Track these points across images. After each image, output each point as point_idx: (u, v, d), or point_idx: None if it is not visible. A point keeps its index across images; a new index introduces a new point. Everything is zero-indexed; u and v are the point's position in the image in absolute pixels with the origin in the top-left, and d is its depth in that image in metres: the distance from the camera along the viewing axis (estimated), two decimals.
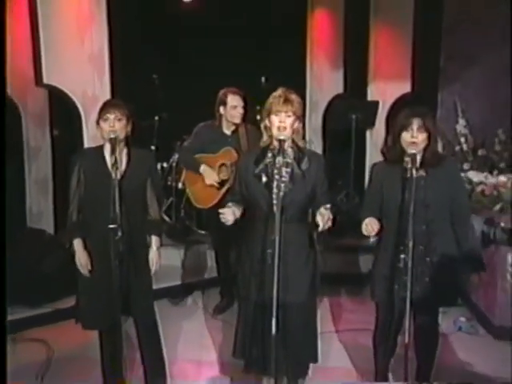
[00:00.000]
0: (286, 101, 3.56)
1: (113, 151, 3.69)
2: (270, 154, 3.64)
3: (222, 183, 5.37)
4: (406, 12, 6.79)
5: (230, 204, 3.76)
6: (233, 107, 5.31)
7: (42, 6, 5.52)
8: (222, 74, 6.67)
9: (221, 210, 3.62)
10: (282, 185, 3.50)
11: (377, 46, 7.20)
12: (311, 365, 3.94)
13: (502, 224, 3.85)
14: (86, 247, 3.88)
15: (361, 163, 6.95)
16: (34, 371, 4.53)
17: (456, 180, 3.88)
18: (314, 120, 7.69)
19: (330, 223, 3.45)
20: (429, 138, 3.66)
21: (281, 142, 3.51)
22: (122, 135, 3.79)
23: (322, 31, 7.55)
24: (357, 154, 6.82)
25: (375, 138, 7.10)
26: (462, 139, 6.26)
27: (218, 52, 7.30)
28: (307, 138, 6.95)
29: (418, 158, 3.66)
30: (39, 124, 6.35)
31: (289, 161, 3.60)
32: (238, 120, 5.36)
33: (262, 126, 3.70)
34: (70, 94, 5.83)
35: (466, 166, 5.87)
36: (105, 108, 3.83)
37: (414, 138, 3.62)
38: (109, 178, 3.68)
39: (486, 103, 6.37)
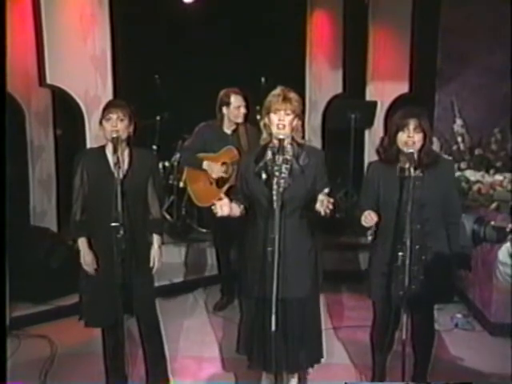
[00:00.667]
0: (285, 99, 3.58)
1: (115, 151, 3.74)
2: (269, 152, 3.66)
3: (223, 182, 5.43)
4: (404, 13, 6.80)
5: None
6: (236, 107, 5.36)
7: (46, 7, 5.57)
8: (223, 75, 6.73)
9: (216, 201, 3.57)
10: (282, 181, 3.50)
11: (375, 47, 7.21)
12: None
13: (492, 222, 3.89)
14: (90, 246, 3.93)
15: (359, 162, 6.96)
16: (37, 367, 4.55)
17: (451, 180, 3.94)
18: (313, 119, 7.69)
19: (330, 206, 3.40)
20: (424, 138, 3.69)
21: (280, 140, 3.54)
22: (124, 135, 3.82)
23: (321, 32, 7.55)
24: (355, 153, 6.84)
25: (374, 138, 7.12)
26: (459, 138, 6.30)
27: (218, 52, 7.33)
28: (306, 137, 6.99)
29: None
30: (43, 123, 6.39)
31: (288, 157, 3.61)
32: (240, 120, 5.41)
33: (261, 124, 3.72)
34: (73, 94, 5.88)
35: (463, 165, 5.89)
36: (108, 108, 3.87)
37: (410, 138, 3.65)
38: (111, 177, 3.72)
39: (483, 103, 6.42)
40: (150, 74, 7.16)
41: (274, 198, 3.50)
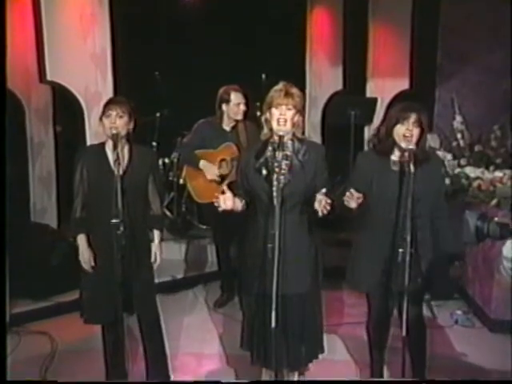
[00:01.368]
0: (287, 94, 3.59)
1: (115, 147, 3.75)
2: (270, 148, 3.66)
3: (222, 178, 5.43)
4: (405, 10, 6.81)
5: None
6: (236, 104, 5.36)
7: (46, 5, 5.55)
8: (223, 72, 6.73)
9: (219, 195, 3.57)
10: (282, 177, 3.50)
11: (375, 44, 7.22)
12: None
13: (496, 219, 3.89)
14: (89, 243, 3.94)
15: None
16: (37, 364, 4.56)
17: (441, 176, 4.00)
18: (314, 116, 7.71)
19: (328, 207, 3.41)
20: (421, 134, 3.70)
21: (280, 137, 3.54)
22: (123, 132, 3.83)
23: (321, 28, 7.56)
24: (355, 149, 6.81)
25: (373, 131, 7.14)
26: (459, 135, 6.30)
27: (218, 49, 7.33)
28: (306, 133, 6.99)
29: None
30: (43, 120, 6.40)
31: (288, 153, 3.61)
32: (240, 117, 5.41)
33: (262, 119, 3.72)
34: (73, 91, 5.87)
35: (462, 162, 5.89)
36: (108, 105, 3.88)
37: (408, 131, 3.66)
38: (111, 174, 3.73)
39: (483, 100, 6.43)
40: (150, 71, 7.16)
41: (274, 194, 3.49)
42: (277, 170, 3.50)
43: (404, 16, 6.85)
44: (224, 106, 5.39)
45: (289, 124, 3.59)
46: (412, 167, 3.53)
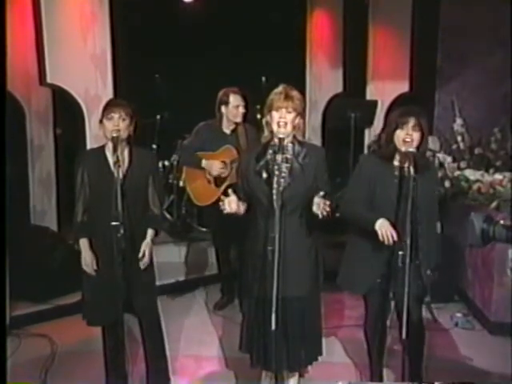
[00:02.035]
0: (287, 97, 3.59)
1: (115, 150, 3.73)
2: (270, 151, 3.65)
3: (221, 181, 5.43)
4: (404, 12, 6.83)
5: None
6: (235, 107, 5.36)
7: (46, 6, 5.57)
8: (223, 74, 6.74)
9: (223, 198, 3.56)
10: (282, 180, 3.50)
11: (375, 46, 7.24)
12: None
13: (502, 222, 3.89)
14: (91, 246, 3.93)
15: None
16: (37, 366, 4.55)
17: (437, 182, 4.00)
18: (314, 119, 7.72)
19: (327, 209, 3.38)
20: (421, 137, 3.70)
21: (280, 139, 3.53)
22: (124, 134, 3.82)
23: (321, 31, 7.58)
24: (355, 152, 6.83)
25: (374, 137, 7.15)
26: (459, 138, 6.30)
27: (218, 52, 7.35)
28: (306, 136, 7.00)
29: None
30: (43, 122, 6.40)
31: (288, 156, 3.61)
32: (239, 119, 5.40)
33: (263, 122, 3.72)
34: (73, 93, 5.87)
35: (462, 164, 5.89)
36: (109, 107, 3.86)
37: (408, 136, 3.66)
38: (111, 177, 3.72)
39: (483, 102, 6.44)
40: (151, 73, 7.17)
41: (274, 196, 3.49)
42: (277, 172, 3.50)
43: (404, 19, 6.87)
44: (223, 108, 5.39)
45: (289, 127, 3.59)
46: (412, 170, 3.53)
